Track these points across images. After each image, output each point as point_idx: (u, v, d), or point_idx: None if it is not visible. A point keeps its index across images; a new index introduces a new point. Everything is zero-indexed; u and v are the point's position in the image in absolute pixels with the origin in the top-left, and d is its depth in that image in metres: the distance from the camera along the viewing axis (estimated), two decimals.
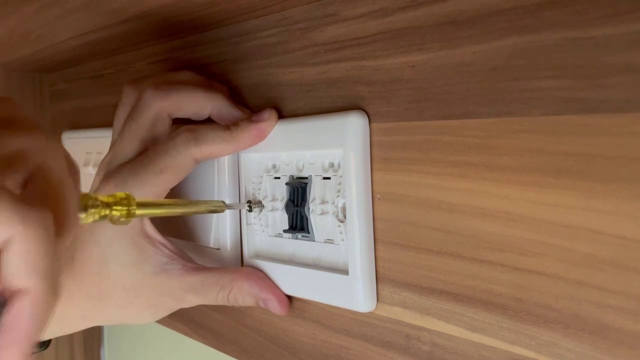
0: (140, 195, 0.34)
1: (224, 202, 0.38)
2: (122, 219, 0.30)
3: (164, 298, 0.40)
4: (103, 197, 0.29)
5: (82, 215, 0.28)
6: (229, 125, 0.39)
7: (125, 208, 0.30)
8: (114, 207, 0.30)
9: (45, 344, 0.41)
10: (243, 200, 0.42)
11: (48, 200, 0.23)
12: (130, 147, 0.40)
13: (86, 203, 0.28)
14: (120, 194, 0.30)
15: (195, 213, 0.37)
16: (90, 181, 0.42)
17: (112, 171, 0.39)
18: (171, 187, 0.39)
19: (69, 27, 0.49)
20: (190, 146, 0.38)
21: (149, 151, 0.39)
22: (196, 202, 0.37)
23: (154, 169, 0.38)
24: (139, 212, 0.31)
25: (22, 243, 0.21)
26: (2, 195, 0.21)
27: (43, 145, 0.24)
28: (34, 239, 0.21)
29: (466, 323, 0.31)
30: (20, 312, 0.21)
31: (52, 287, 0.22)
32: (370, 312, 0.36)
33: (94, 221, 0.29)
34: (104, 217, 0.29)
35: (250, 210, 0.42)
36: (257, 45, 0.43)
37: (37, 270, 0.21)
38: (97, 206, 0.29)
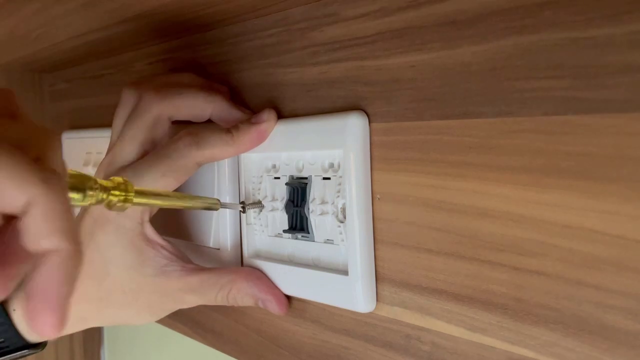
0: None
1: (218, 200, 0.38)
2: (119, 204, 0.30)
3: (164, 299, 0.40)
4: (102, 181, 0.30)
5: (80, 197, 0.28)
6: (230, 128, 0.39)
7: (123, 194, 0.30)
8: (112, 192, 0.30)
9: (42, 345, 0.41)
10: (242, 200, 0.42)
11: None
12: (130, 149, 0.40)
13: (85, 185, 0.28)
14: (118, 178, 0.31)
15: (191, 208, 0.37)
16: None
17: (112, 173, 0.39)
18: (173, 189, 0.39)
19: (69, 27, 0.49)
20: (192, 150, 0.38)
21: (150, 154, 0.39)
22: (192, 197, 0.37)
23: (156, 172, 0.38)
24: (136, 199, 0.31)
25: (45, 203, 0.20)
26: (19, 157, 0.20)
27: (43, 136, 0.24)
28: (56, 198, 0.21)
29: (466, 323, 0.31)
30: (51, 272, 0.21)
31: (77, 245, 0.22)
32: (370, 312, 0.36)
33: (91, 204, 0.29)
34: (101, 201, 0.29)
35: (243, 212, 0.42)
36: (257, 45, 0.43)
37: (62, 229, 0.21)
38: (95, 189, 0.29)
